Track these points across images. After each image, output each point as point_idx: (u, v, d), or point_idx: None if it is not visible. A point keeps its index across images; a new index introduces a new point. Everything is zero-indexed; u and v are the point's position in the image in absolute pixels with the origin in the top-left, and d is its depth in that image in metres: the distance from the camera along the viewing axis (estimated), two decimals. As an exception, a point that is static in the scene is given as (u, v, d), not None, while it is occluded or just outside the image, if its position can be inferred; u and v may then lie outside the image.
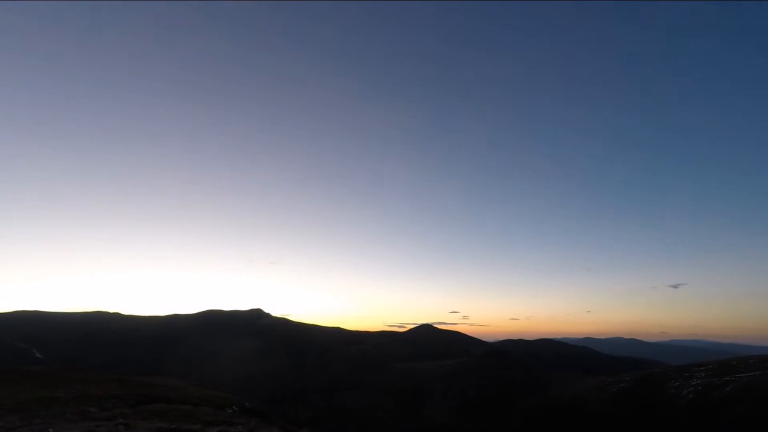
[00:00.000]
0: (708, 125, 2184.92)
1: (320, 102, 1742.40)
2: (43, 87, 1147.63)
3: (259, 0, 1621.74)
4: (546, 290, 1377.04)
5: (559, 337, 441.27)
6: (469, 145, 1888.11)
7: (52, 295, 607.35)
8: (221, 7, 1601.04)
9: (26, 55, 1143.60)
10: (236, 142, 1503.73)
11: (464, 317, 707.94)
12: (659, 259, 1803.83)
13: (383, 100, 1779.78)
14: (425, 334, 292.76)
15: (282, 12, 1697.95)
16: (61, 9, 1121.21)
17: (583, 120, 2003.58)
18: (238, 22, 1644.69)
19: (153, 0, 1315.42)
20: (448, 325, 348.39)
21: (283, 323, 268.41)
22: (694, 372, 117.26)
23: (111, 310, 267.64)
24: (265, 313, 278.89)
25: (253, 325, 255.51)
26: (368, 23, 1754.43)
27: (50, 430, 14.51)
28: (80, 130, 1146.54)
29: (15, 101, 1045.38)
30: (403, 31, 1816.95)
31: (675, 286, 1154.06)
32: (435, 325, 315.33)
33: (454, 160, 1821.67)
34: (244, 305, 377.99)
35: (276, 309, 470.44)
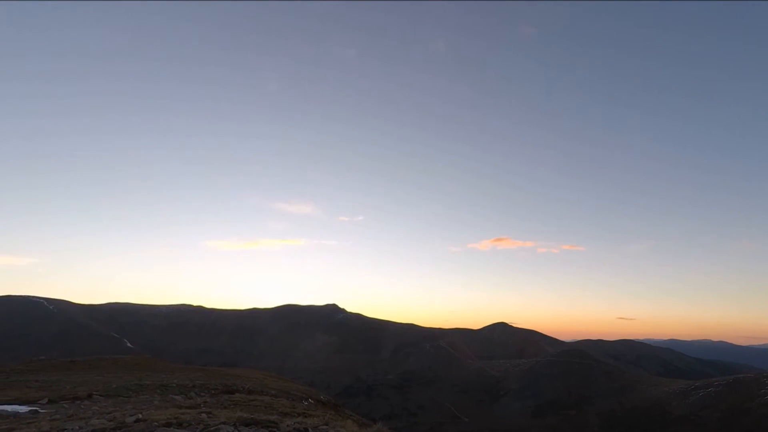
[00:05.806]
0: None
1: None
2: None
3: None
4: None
5: (641, 338, 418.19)
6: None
7: (141, 288, 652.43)
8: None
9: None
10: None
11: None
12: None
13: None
14: (500, 332, 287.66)
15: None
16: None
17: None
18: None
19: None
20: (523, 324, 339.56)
21: (358, 318, 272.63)
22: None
23: (195, 303, 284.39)
24: (340, 308, 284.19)
25: (329, 320, 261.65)
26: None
27: (140, 415, 15.00)
28: (161, 129, 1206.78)
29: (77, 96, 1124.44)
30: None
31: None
32: (510, 324, 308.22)
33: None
34: (319, 300, 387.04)
35: (350, 304, 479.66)
